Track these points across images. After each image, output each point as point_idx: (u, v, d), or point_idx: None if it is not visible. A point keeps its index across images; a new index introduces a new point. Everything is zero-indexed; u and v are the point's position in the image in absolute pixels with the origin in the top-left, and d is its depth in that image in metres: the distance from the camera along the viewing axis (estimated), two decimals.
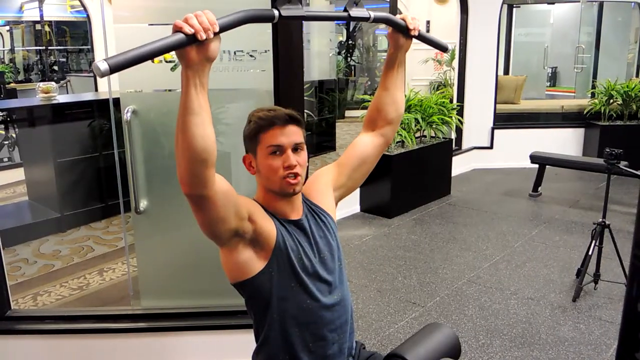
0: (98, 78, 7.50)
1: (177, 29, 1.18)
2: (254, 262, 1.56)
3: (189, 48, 1.20)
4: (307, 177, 1.71)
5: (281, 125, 1.56)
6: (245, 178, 1.66)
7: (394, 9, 7.97)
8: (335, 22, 8.72)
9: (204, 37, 1.19)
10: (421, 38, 1.72)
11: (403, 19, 1.67)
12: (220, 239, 1.49)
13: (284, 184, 1.56)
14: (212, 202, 1.38)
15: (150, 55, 1.14)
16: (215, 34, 1.22)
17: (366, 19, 1.55)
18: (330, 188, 1.80)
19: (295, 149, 1.58)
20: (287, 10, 1.37)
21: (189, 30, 1.17)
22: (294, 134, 1.58)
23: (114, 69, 1.08)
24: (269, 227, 1.56)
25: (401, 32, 1.69)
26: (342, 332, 1.70)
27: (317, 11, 1.49)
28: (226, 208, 1.41)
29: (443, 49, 1.81)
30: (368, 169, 1.86)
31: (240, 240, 1.52)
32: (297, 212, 1.66)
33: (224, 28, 1.24)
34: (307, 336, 1.63)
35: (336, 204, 1.83)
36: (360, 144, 1.84)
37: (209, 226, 1.44)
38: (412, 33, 1.68)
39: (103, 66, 1.07)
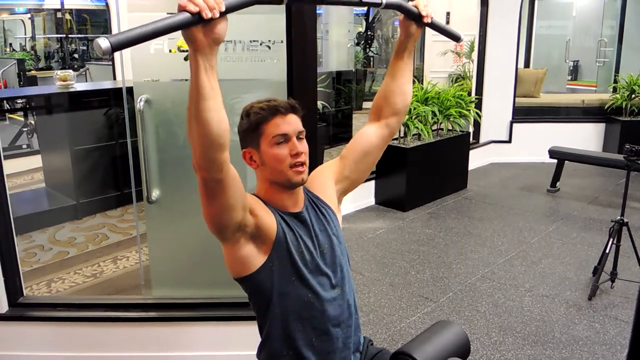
0: (117, 67, 7.56)
1: (182, 9, 1.15)
2: (254, 257, 1.56)
3: (195, 29, 1.17)
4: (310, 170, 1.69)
5: (283, 115, 1.56)
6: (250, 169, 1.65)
7: None
8: (354, 12, 8.65)
9: (209, 15, 1.16)
10: (433, 26, 1.68)
11: (416, 6, 1.64)
12: (225, 232, 1.48)
13: (291, 173, 1.55)
14: (226, 187, 1.38)
15: (154, 34, 1.11)
16: (222, 14, 1.19)
17: (378, 5, 1.52)
18: (332, 181, 1.79)
19: (299, 137, 1.58)
20: None
21: (193, 8, 1.14)
22: (296, 122, 1.58)
23: (116, 47, 1.04)
24: (270, 221, 1.55)
25: (413, 19, 1.66)
26: (345, 327, 1.68)
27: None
28: (236, 195, 1.42)
29: (456, 38, 1.77)
30: (372, 161, 1.84)
31: (242, 234, 1.51)
32: (298, 204, 1.65)
33: (230, 8, 1.20)
34: (310, 331, 1.62)
35: (340, 199, 1.82)
36: (364, 135, 1.83)
37: (217, 216, 1.44)
38: (425, 20, 1.65)
39: (104, 44, 1.03)
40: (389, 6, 1.54)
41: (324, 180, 1.78)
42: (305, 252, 1.61)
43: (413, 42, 1.74)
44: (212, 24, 1.18)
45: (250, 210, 1.49)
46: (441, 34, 1.77)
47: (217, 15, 1.17)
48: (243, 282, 1.61)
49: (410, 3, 1.64)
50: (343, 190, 1.82)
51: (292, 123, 1.57)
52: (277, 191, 1.61)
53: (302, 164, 1.56)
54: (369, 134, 1.82)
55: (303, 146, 1.58)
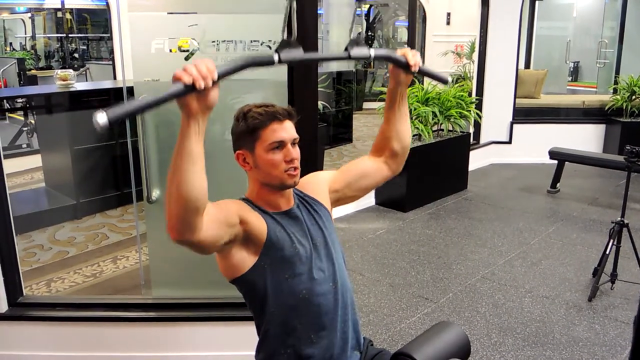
0: (117, 67, 7.56)
1: (176, 79, 1.20)
2: (246, 259, 1.59)
3: (190, 97, 1.21)
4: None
5: (280, 121, 1.59)
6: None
7: (413, 3, 7.89)
8: (357, 12, 8.66)
9: (203, 85, 1.20)
10: (422, 73, 1.71)
11: (404, 55, 1.66)
12: (215, 250, 1.53)
13: (285, 177, 1.60)
14: (202, 244, 1.41)
15: (149, 107, 1.16)
16: (215, 82, 1.23)
17: (367, 58, 1.55)
18: (327, 187, 1.82)
19: (293, 143, 1.62)
20: (287, 54, 1.37)
21: (187, 79, 1.19)
22: (292, 129, 1.62)
23: (112, 119, 1.09)
24: (260, 224, 1.58)
25: (402, 68, 1.68)
26: (343, 322, 1.69)
27: (318, 54, 1.48)
28: (218, 234, 1.45)
29: (443, 81, 1.80)
30: (367, 185, 1.87)
31: (233, 244, 1.55)
32: (289, 203, 1.69)
33: (223, 75, 1.25)
34: (307, 327, 1.63)
35: (332, 206, 1.84)
36: (363, 162, 1.89)
37: (202, 252, 1.47)
38: (413, 69, 1.67)
39: (102, 120, 1.08)
40: (378, 58, 1.58)
41: (318, 184, 1.82)
42: (299, 247, 1.63)
43: (405, 87, 1.77)
44: (206, 92, 1.22)
45: (240, 219, 1.52)
46: (430, 78, 1.82)
47: (210, 84, 1.22)
48: (237, 283, 1.64)
49: (399, 52, 1.67)
50: (335, 200, 1.84)
51: (288, 130, 1.60)
52: (268, 192, 1.65)
53: (296, 167, 1.61)
54: (366, 163, 1.88)
55: (297, 152, 1.62)
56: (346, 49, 1.51)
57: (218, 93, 1.26)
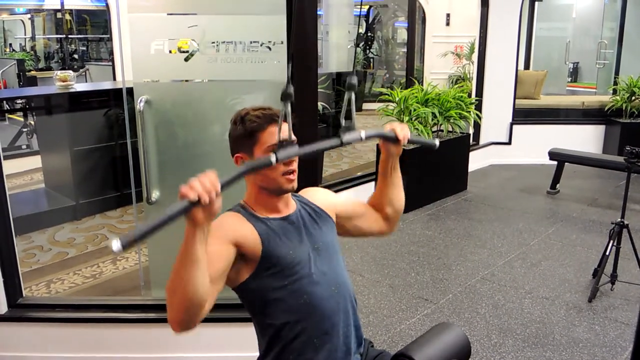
0: (117, 68, 7.55)
1: (182, 196, 1.24)
2: (244, 270, 1.60)
3: (195, 210, 1.26)
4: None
5: (278, 124, 1.57)
6: None
7: (413, 4, 7.89)
8: (354, 13, 8.65)
9: (208, 200, 1.24)
10: (412, 142, 1.80)
11: (392, 130, 1.71)
12: None
13: (283, 181, 1.61)
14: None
15: (159, 227, 1.20)
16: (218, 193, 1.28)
17: (359, 140, 1.59)
18: (334, 207, 1.84)
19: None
20: (284, 152, 1.42)
21: (193, 197, 1.23)
22: (289, 132, 1.59)
23: (126, 245, 1.15)
24: (254, 241, 1.58)
25: (392, 142, 1.74)
26: (345, 326, 1.69)
27: (313, 146, 1.52)
28: (218, 292, 1.49)
29: (431, 147, 1.87)
30: (362, 228, 1.91)
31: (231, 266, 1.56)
32: (288, 208, 1.70)
33: (226, 185, 1.31)
34: (310, 332, 1.62)
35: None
36: (367, 205, 1.91)
37: None
38: (402, 143, 1.73)
39: (116, 246, 1.14)
40: (369, 138, 1.62)
41: (326, 200, 1.84)
42: (298, 253, 1.63)
43: (395, 159, 1.81)
44: (211, 204, 1.26)
45: (234, 243, 1.54)
46: (420, 145, 1.93)
47: (215, 198, 1.26)
48: (236, 290, 1.64)
49: (388, 127, 1.73)
50: (337, 225, 1.85)
51: (286, 132, 1.58)
52: (266, 196, 1.66)
53: (293, 171, 1.62)
54: (368, 208, 1.90)
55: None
56: (339, 136, 1.55)
57: (221, 202, 1.30)
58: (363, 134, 1.58)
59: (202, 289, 1.34)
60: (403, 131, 1.71)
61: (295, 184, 1.64)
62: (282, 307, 1.60)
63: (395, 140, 1.71)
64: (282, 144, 1.44)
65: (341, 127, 1.57)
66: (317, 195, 1.83)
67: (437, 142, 1.85)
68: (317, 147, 1.55)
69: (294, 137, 1.58)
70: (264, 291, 1.60)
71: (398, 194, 1.88)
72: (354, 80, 1.56)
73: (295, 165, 1.62)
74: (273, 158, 1.40)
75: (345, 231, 1.88)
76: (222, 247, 1.51)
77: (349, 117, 1.59)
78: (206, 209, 1.26)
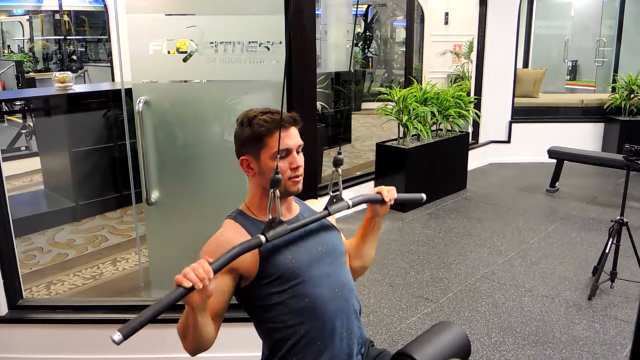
0: (115, 68, 7.54)
1: (177, 284, 1.31)
2: (243, 280, 1.62)
3: (191, 295, 1.34)
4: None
5: (286, 128, 1.60)
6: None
7: (411, 3, 7.89)
8: (352, 13, 8.65)
9: (201, 287, 1.32)
10: (399, 202, 1.88)
11: (379, 192, 1.80)
12: None
13: (289, 183, 1.62)
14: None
15: (157, 314, 1.26)
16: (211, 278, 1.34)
17: (346, 208, 1.67)
18: (334, 224, 1.86)
19: (298, 150, 1.64)
20: (273, 232, 1.48)
21: (187, 285, 1.31)
22: (297, 136, 1.64)
23: (127, 336, 1.22)
24: (251, 257, 1.57)
25: (379, 204, 1.82)
26: (349, 328, 1.68)
27: (301, 221, 1.56)
28: (223, 316, 1.61)
29: (419, 200, 1.99)
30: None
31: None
32: (291, 211, 1.72)
33: (218, 269, 1.38)
34: (313, 334, 1.61)
35: None
36: (345, 242, 1.92)
37: None
38: (389, 204, 1.82)
39: (117, 338, 1.21)
40: (356, 204, 1.71)
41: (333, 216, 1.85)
42: (299, 257, 1.62)
43: (380, 218, 1.88)
44: (204, 289, 1.34)
45: (233, 269, 1.56)
46: (407, 202, 2.01)
47: (208, 283, 1.33)
48: (237, 295, 1.65)
49: (374, 190, 1.83)
50: None
51: (294, 137, 1.62)
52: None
53: (299, 175, 1.64)
54: (345, 249, 1.90)
55: (301, 159, 1.65)
56: (326, 208, 1.65)
57: (215, 284, 1.40)
58: (350, 203, 1.67)
59: (208, 336, 1.49)
60: (389, 194, 1.80)
61: (300, 186, 1.65)
62: (283, 311, 1.60)
63: (381, 202, 1.80)
64: (272, 223, 1.48)
65: (329, 197, 1.65)
66: (317, 206, 1.84)
67: (423, 196, 1.96)
68: (305, 222, 1.59)
69: (300, 160, 1.65)
70: (265, 296, 1.60)
71: (370, 252, 1.93)
72: (341, 157, 1.66)
73: (301, 170, 1.64)
74: (263, 238, 1.46)
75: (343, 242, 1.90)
76: (223, 281, 1.56)
77: (336, 189, 1.65)
78: (201, 293, 1.34)
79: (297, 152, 1.63)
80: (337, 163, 1.65)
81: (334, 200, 1.65)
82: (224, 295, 1.56)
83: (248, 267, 1.58)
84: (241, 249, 1.44)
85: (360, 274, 1.97)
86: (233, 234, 1.60)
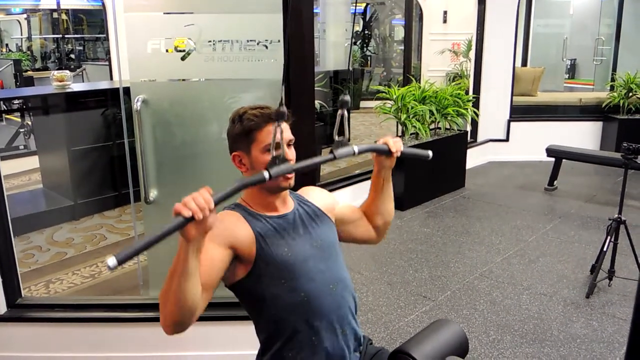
0: (113, 67, 7.53)
1: (176, 213, 1.26)
2: (240, 269, 1.61)
3: (189, 226, 1.28)
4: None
5: (274, 125, 1.58)
6: None
7: (410, 1, 7.88)
8: (351, 11, 8.65)
9: (201, 217, 1.27)
10: (404, 155, 1.82)
11: (385, 143, 1.74)
12: None
13: (280, 179, 1.60)
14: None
15: (153, 243, 1.22)
16: (211, 209, 1.30)
17: (351, 155, 1.62)
18: (333, 207, 1.86)
19: (289, 144, 1.64)
20: (277, 169, 1.45)
21: (187, 213, 1.26)
22: (287, 130, 1.63)
23: (121, 261, 1.17)
24: (248, 241, 1.59)
25: (385, 155, 1.77)
26: (344, 324, 1.69)
27: (305, 162, 1.54)
28: (211, 295, 1.51)
29: (425, 158, 1.90)
30: (353, 234, 1.92)
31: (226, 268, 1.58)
32: (286, 206, 1.72)
33: (219, 202, 1.33)
34: (308, 329, 1.62)
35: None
36: (355, 211, 1.93)
37: None
38: (396, 155, 1.75)
39: (112, 262, 1.16)
40: (362, 152, 1.66)
41: (326, 200, 1.86)
42: (294, 250, 1.63)
43: (388, 171, 1.84)
44: (204, 220, 1.29)
45: (230, 246, 1.55)
46: (413, 157, 1.96)
47: (208, 214, 1.28)
48: (233, 289, 1.65)
49: (380, 140, 1.75)
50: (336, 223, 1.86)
51: (285, 131, 1.61)
52: (264, 195, 1.67)
53: None
54: (361, 215, 1.92)
55: (292, 153, 1.64)
56: (331, 152, 1.58)
57: (215, 217, 1.32)
58: (356, 149, 1.62)
59: (193, 300, 1.38)
60: (396, 144, 1.74)
61: (292, 182, 1.65)
62: (279, 305, 1.60)
63: (388, 153, 1.75)
64: (276, 160, 1.45)
65: (334, 142, 1.60)
66: (316, 195, 1.84)
67: (430, 153, 1.89)
68: (311, 163, 1.57)
69: (291, 154, 1.62)
70: (261, 290, 1.60)
71: (388, 206, 1.90)
72: (347, 97, 1.60)
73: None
74: (266, 174, 1.42)
75: (338, 235, 1.89)
76: (217, 252, 1.52)
77: (342, 132, 1.60)
78: (199, 225, 1.29)
79: (289, 146, 1.63)
80: (343, 104, 1.61)
81: (340, 144, 1.60)
82: (215, 268, 1.51)
83: (245, 249, 1.58)
84: (244, 183, 1.42)
85: (384, 230, 1.94)
86: (229, 219, 1.62)
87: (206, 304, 1.47)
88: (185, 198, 1.28)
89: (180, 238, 1.32)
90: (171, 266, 1.36)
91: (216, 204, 1.31)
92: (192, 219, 1.26)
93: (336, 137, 1.59)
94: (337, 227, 1.85)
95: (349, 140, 1.60)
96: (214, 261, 1.51)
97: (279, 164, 1.45)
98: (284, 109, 1.44)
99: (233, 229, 1.59)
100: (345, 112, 1.60)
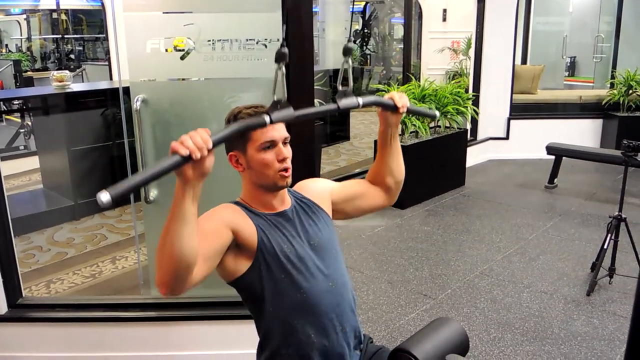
0: (113, 67, 7.53)
1: (173, 151, 1.22)
2: (241, 262, 1.60)
3: (186, 166, 1.25)
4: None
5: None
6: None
7: (409, 0, 7.87)
8: (350, 10, 8.65)
9: (199, 156, 1.23)
10: (410, 112, 1.76)
11: (391, 98, 1.70)
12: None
13: (277, 177, 1.62)
14: (195, 286, 1.44)
15: (148, 180, 1.19)
16: (210, 149, 1.26)
17: (356, 107, 1.57)
18: (329, 195, 1.84)
19: (284, 142, 1.64)
20: (278, 114, 1.39)
21: (184, 152, 1.22)
22: (282, 128, 1.63)
23: (115, 196, 1.12)
24: (250, 231, 1.59)
25: (390, 110, 1.72)
26: (344, 321, 1.69)
27: (309, 109, 1.51)
28: (210, 268, 1.50)
29: (432, 117, 1.84)
30: (363, 207, 1.90)
31: (226, 253, 1.56)
32: (284, 204, 1.71)
33: (218, 143, 1.29)
34: (307, 327, 1.63)
35: (334, 216, 1.85)
36: (364, 182, 1.91)
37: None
38: (401, 111, 1.71)
39: (105, 197, 1.11)
40: (366, 105, 1.60)
41: (320, 191, 1.84)
42: (294, 247, 1.63)
43: (395, 128, 1.80)
44: (202, 160, 1.25)
45: (231, 230, 1.54)
46: (419, 116, 1.88)
47: (206, 153, 1.25)
48: (234, 285, 1.65)
49: (386, 95, 1.71)
50: (334, 211, 1.85)
51: (279, 129, 1.61)
52: (262, 193, 1.67)
53: (287, 168, 1.63)
54: (365, 185, 1.90)
55: (288, 151, 1.64)
56: (335, 102, 1.54)
57: (213, 160, 1.29)
58: (360, 101, 1.57)
59: (190, 249, 1.33)
60: (402, 99, 1.70)
61: (289, 180, 1.65)
62: (278, 302, 1.61)
63: (393, 108, 1.70)
64: (277, 104, 1.40)
65: (338, 92, 1.55)
66: (310, 188, 1.83)
67: (437, 113, 1.86)
68: (314, 111, 1.53)
69: (287, 152, 1.62)
70: (261, 286, 1.60)
71: (398, 164, 1.87)
72: (351, 44, 1.55)
73: (289, 162, 1.63)
74: (267, 118, 1.38)
75: (346, 214, 1.88)
76: (219, 227, 1.52)
77: (345, 83, 1.55)
78: (197, 166, 1.25)
79: (284, 144, 1.63)
80: (346, 52, 1.56)
81: (344, 95, 1.56)
82: (216, 239, 1.50)
83: (247, 237, 1.58)
84: (245, 124, 1.39)
85: (397, 191, 1.91)
86: (231, 208, 1.63)
87: (204, 275, 1.45)
88: (182, 136, 1.24)
89: (177, 182, 1.28)
90: (168, 215, 1.33)
91: (215, 145, 1.27)
92: (189, 158, 1.22)
93: (339, 87, 1.55)
94: (343, 207, 1.85)
95: (352, 91, 1.55)
96: (216, 233, 1.50)
97: (280, 109, 1.40)
98: (285, 49, 1.40)
99: (236, 216, 1.60)
100: (350, 61, 1.55)
